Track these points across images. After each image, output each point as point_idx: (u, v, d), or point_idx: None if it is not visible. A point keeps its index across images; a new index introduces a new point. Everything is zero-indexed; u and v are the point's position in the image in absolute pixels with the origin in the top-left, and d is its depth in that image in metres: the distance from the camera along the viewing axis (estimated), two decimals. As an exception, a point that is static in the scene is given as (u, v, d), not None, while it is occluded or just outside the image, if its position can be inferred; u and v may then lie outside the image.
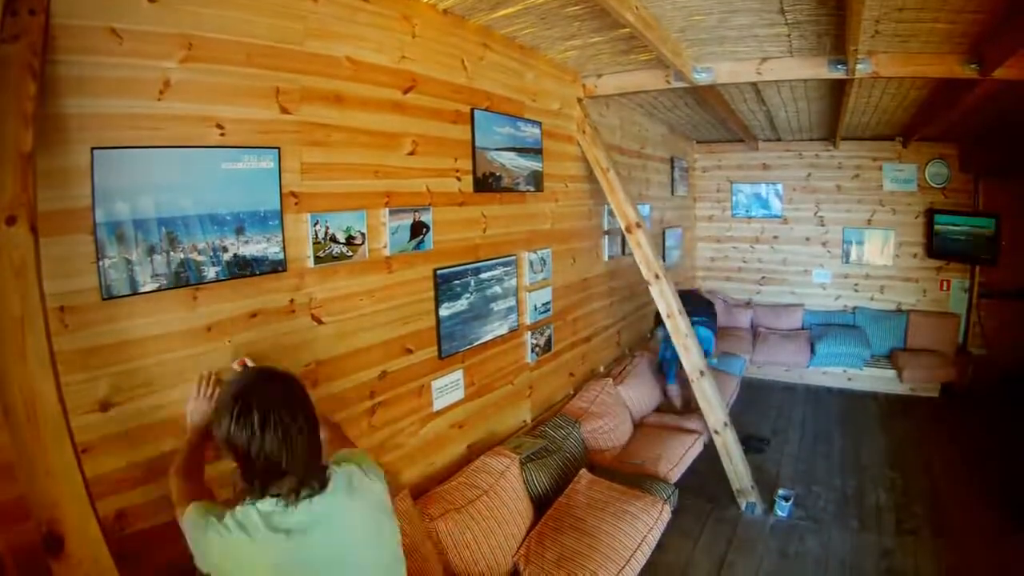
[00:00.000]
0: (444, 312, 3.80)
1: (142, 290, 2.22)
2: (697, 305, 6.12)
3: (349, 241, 3.08)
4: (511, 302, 4.53)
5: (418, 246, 3.56)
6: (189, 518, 1.74)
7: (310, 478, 1.74)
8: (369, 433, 3.32)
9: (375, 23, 3.21)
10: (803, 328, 9.31)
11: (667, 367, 6.27)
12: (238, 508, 1.70)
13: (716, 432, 5.08)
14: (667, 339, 5.60)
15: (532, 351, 4.90)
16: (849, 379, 8.44)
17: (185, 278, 2.36)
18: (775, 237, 9.81)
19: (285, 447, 1.67)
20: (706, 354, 5.56)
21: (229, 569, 1.70)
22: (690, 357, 5.09)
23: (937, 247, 8.56)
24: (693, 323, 5.31)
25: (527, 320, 4.82)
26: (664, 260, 6.97)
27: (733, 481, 5.13)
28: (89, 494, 1.72)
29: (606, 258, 6.47)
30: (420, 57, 3.52)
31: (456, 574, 3.35)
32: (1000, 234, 7.70)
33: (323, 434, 2.00)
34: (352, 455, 1.98)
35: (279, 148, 2.68)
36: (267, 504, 1.69)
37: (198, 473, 2.10)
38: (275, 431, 1.66)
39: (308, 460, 1.74)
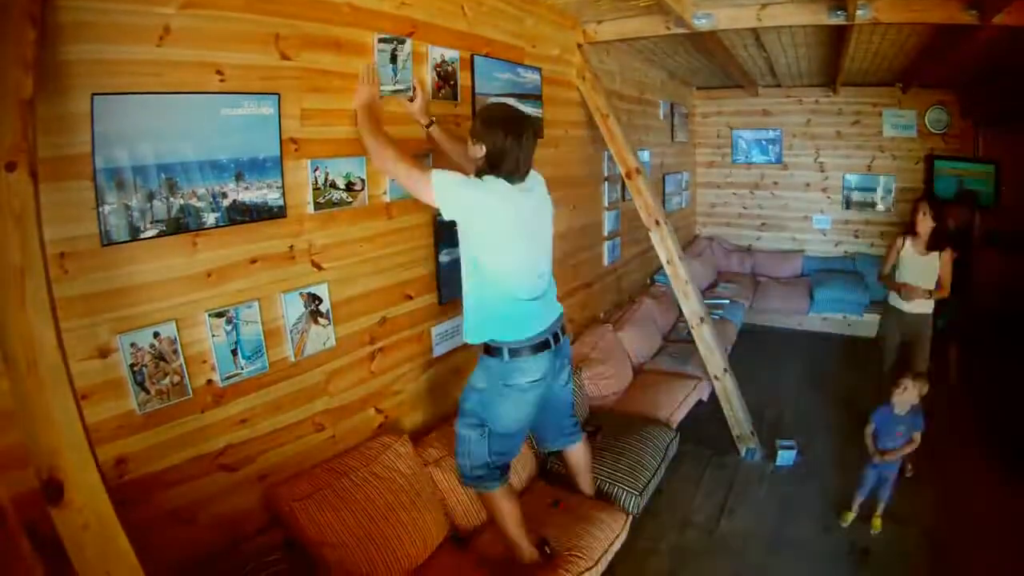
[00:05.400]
0: (444, 258, 3.79)
1: (142, 236, 2.23)
2: None
3: (349, 187, 3.08)
4: (511, 249, 4.49)
5: (418, 193, 3.54)
6: (442, 176, 2.76)
7: (526, 172, 2.98)
8: (369, 379, 3.36)
9: (375, -33, 3.15)
10: (803, 275, 9.34)
11: None
12: (486, 177, 2.87)
13: (716, 378, 5.13)
14: None
15: (532, 298, 4.87)
16: (849, 325, 8.47)
17: (185, 224, 2.36)
18: (775, 183, 9.79)
19: (526, 157, 2.91)
20: None
21: (479, 212, 2.83)
22: (689, 303, 5.11)
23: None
24: None
25: (527, 267, 4.79)
26: (664, 206, 6.94)
27: (733, 427, 5.19)
28: (89, 441, 1.73)
29: (606, 204, 6.45)
30: (420, 3, 3.46)
31: (455, 518, 3.41)
32: (1000, 181, 7.65)
33: None
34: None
35: (279, 94, 2.66)
36: (503, 181, 2.86)
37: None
38: (526, 147, 2.88)
39: (529, 163, 2.96)
